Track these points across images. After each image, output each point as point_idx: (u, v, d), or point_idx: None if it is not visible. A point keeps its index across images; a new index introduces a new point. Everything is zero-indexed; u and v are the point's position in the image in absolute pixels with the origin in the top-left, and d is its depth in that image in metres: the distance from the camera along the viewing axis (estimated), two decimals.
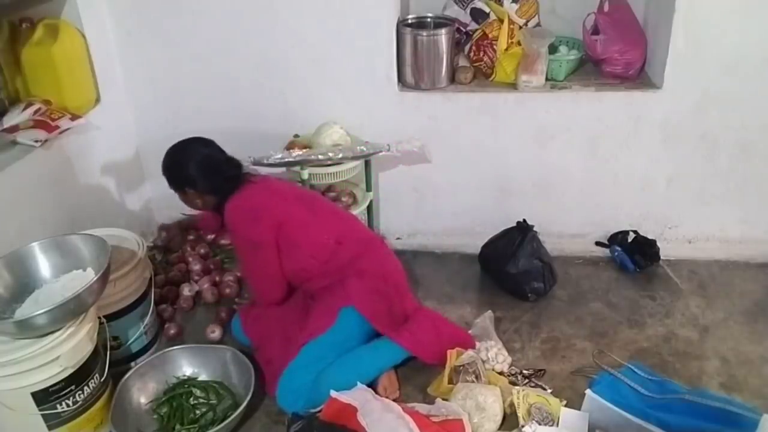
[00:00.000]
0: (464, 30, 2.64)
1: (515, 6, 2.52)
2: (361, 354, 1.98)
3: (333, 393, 1.86)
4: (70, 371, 1.67)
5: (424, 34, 2.46)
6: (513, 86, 2.52)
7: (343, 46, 2.44)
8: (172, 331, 2.25)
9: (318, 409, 1.87)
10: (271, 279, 2.02)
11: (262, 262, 1.99)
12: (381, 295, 2.02)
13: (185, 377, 2.03)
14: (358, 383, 1.91)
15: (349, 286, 1.99)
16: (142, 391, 1.97)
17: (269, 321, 2.12)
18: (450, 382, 1.95)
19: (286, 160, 2.30)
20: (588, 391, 1.81)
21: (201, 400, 1.97)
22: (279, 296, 2.07)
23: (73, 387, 1.69)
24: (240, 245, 2.01)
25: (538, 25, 2.59)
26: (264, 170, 2.24)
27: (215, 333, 2.23)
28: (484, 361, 2.02)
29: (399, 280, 2.11)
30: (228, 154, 2.02)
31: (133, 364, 2.07)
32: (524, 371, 2.05)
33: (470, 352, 2.01)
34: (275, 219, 1.95)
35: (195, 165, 1.95)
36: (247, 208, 1.96)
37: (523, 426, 1.77)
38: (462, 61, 2.63)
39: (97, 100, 2.45)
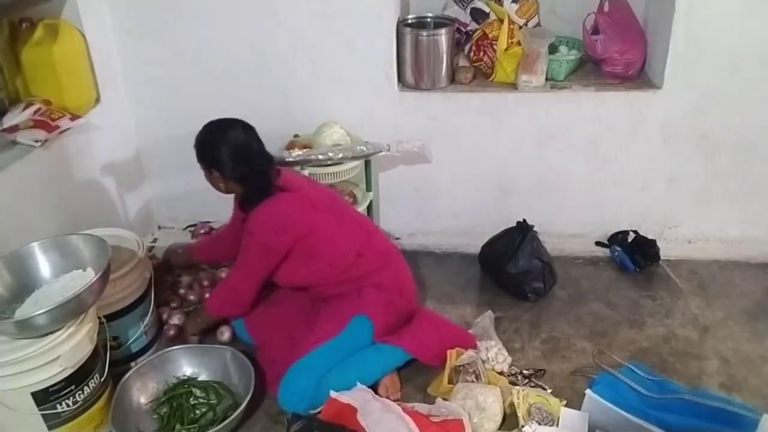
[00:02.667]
0: (464, 30, 2.64)
1: (515, 6, 2.53)
2: (364, 356, 1.97)
3: (333, 393, 1.86)
4: (70, 371, 1.67)
5: (424, 34, 2.46)
6: (513, 86, 2.52)
7: (343, 46, 2.44)
8: (171, 332, 2.23)
9: (318, 409, 1.87)
10: (256, 281, 2.01)
11: (260, 267, 1.98)
12: (394, 308, 2.03)
13: (185, 377, 2.03)
14: (359, 384, 1.91)
15: (366, 297, 1.99)
16: (142, 391, 1.97)
17: (273, 321, 2.12)
18: (450, 382, 1.95)
19: (287, 160, 2.30)
20: (588, 391, 1.81)
21: (201, 400, 1.96)
22: (250, 297, 2.04)
23: (73, 387, 1.69)
24: (251, 245, 1.97)
25: (538, 25, 2.59)
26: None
27: (225, 335, 2.21)
28: (484, 361, 2.02)
29: (412, 294, 2.13)
30: (264, 146, 1.97)
31: (133, 364, 2.07)
32: (524, 371, 2.05)
33: (470, 352, 2.01)
34: (301, 231, 1.93)
35: (228, 149, 1.90)
36: (276, 217, 1.93)
37: (523, 426, 1.77)
38: (462, 61, 2.63)
39: (97, 100, 2.45)
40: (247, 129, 1.95)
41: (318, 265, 1.99)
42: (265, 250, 1.95)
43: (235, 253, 2.19)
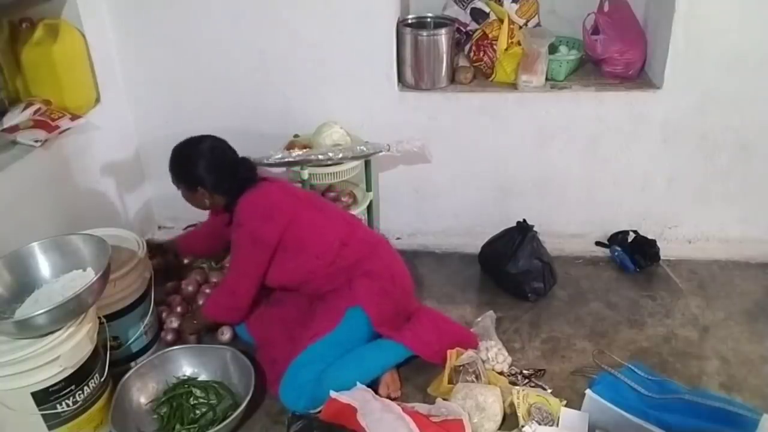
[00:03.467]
0: (464, 30, 2.64)
1: (515, 6, 2.53)
2: (364, 353, 1.98)
3: (333, 393, 1.86)
4: (70, 371, 1.67)
5: (424, 34, 2.46)
6: (513, 86, 2.52)
7: (343, 46, 2.44)
8: (169, 337, 2.21)
9: (318, 409, 1.88)
10: (252, 280, 2.01)
11: (254, 261, 1.99)
12: (388, 296, 2.02)
13: (185, 377, 2.03)
14: (359, 383, 1.91)
15: (357, 287, 1.99)
16: (142, 391, 1.97)
17: (274, 321, 2.12)
18: (450, 382, 1.95)
19: (286, 160, 2.30)
20: (588, 391, 1.81)
21: (201, 400, 1.97)
22: (248, 301, 2.05)
23: (73, 387, 1.69)
24: (241, 238, 1.99)
25: (538, 25, 2.59)
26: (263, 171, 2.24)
27: (225, 335, 2.21)
28: (484, 361, 2.02)
29: (406, 282, 2.12)
30: (237, 154, 2.02)
31: (133, 364, 2.07)
32: (524, 371, 2.05)
33: (470, 352, 2.01)
34: (286, 219, 1.95)
35: (207, 164, 1.95)
36: (262, 204, 1.96)
37: (523, 426, 1.77)
38: (462, 61, 2.63)
39: (97, 100, 2.46)
40: (218, 141, 2.01)
41: (305, 258, 1.99)
42: (254, 242, 1.96)
43: (212, 247, 2.39)
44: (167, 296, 2.37)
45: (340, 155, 2.33)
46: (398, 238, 2.80)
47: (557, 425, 1.79)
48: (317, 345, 1.93)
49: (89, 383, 1.75)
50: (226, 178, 1.97)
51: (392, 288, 2.04)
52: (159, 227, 2.94)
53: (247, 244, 1.98)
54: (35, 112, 2.17)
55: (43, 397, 1.64)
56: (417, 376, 2.05)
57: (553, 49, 2.53)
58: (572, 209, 2.66)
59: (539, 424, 1.77)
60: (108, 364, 1.84)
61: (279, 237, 1.96)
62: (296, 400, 1.87)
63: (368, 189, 2.59)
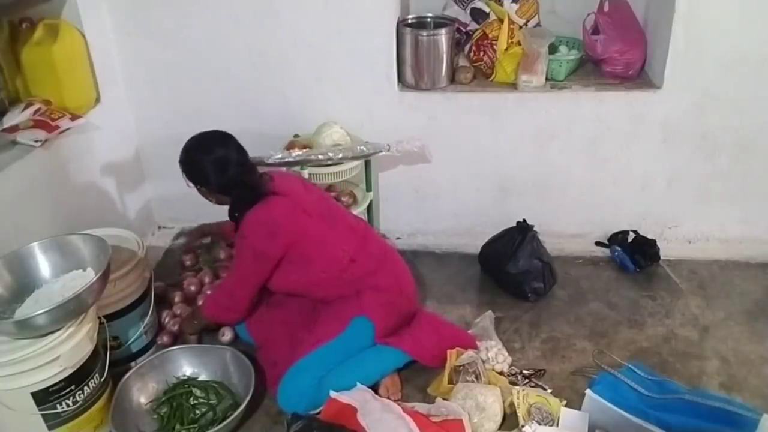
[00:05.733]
0: (464, 30, 2.64)
1: (515, 6, 2.53)
2: (365, 357, 1.97)
3: (333, 393, 1.86)
4: (70, 371, 1.67)
5: (424, 34, 2.46)
6: (513, 86, 2.52)
7: (343, 46, 2.44)
8: (165, 338, 2.21)
9: (318, 410, 1.87)
10: (252, 287, 2.00)
11: (254, 272, 1.98)
12: (394, 308, 2.02)
13: (185, 377, 2.03)
14: (359, 384, 1.91)
15: (365, 299, 1.98)
16: (142, 391, 1.97)
17: (275, 322, 2.12)
18: (450, 382, 1.95)
19: (286, 160, 2.30)
20: (588, 391, 1.81)
21: (201, 400, 1.97)
22: (245, 308, 2.04)
23: (73, 387, 1.69)
24: (243, 249, 1.98)
25: (538, 25, 2.59)
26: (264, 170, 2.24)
27: (226, 336, 2.21)
28: (484, 361, 2.02)
29: (411, 293, 2.12)
30: (246, 155, 1.98)
31: (133, 364, 2.07)
32: (524, 371, 2.05)
33: (470, 352, 2.01)
34: (291, 237, 1.92)
35: (208, 164, 1.92)
36: (267, 222, 1.92)
37: (523, 426, 1.77)
38: (462, 61, 2.63)
39: (97, 99, 2.46)
40: (225, 141, 1.95)
41: (310, 272, 1.97)
42: (257, 255, 1.94)
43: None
44: (167, 296, 2.37)
45: (340, 155, 2.33)
46: (398, 238, 2.80)
47: (557, 425, 1.79)
48: (320, 351, 1.92)
49: (89, 383, 1.75)
50: (224, 179, 1.94)
51: (398, 299, 2.04)
52: (159, 227, 2.94)
53: (248, 256, 1.96)
54: (35, 112, 2.16)
55: (43, 397, 1.64)
56: (417, 376, 2.05)
57: (553, 49, 2.53)
58: (572, 209, 2.66)
59: (539, 424, 1.77)
60: (108, 364, 1.84)
61: (282, 253, 1.93)
62: (295, 405, 1.86)
63: (368, 189, 2.59)
